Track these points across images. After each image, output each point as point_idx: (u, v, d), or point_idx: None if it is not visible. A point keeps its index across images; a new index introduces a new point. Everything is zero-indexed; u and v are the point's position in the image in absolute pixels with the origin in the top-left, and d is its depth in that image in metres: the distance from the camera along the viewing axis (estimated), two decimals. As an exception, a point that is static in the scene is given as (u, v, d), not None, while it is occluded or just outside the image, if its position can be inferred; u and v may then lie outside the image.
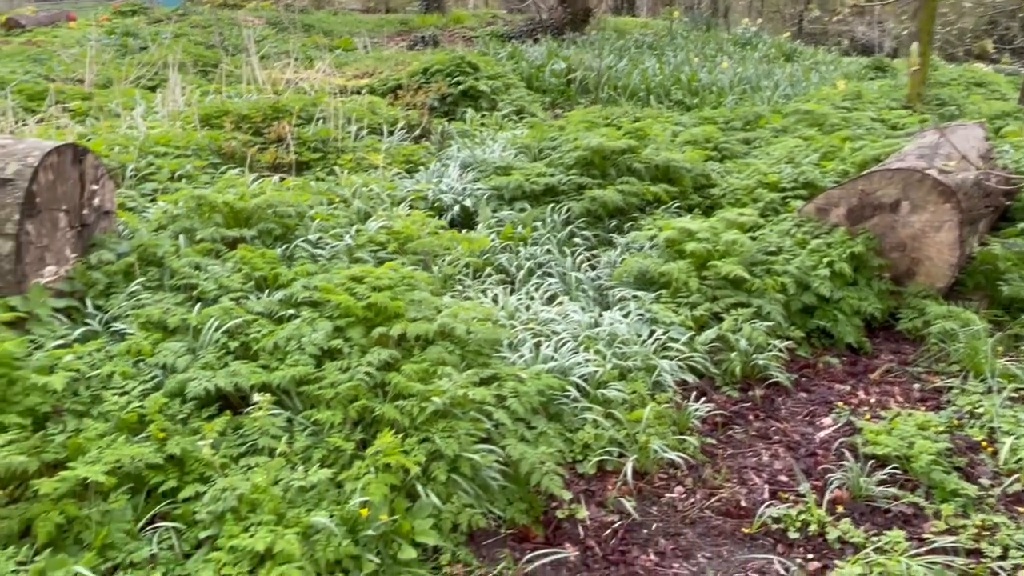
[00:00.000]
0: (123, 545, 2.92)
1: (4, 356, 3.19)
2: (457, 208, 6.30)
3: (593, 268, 5.74)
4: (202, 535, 2.97)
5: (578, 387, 4.14)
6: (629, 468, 3.75)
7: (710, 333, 4.98)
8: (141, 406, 3.36)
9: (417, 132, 8.30)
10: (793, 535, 3.52)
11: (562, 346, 4.43)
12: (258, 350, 3.74)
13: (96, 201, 4.41)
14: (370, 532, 3.02)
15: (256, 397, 3.23)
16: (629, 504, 3.67)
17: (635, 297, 5.20)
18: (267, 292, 4.33)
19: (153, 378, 3.54)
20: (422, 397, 3.51)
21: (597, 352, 4.40)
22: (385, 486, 3.14)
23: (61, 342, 3.68)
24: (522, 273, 5.45)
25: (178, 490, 3.15)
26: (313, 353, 3.67)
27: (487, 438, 3.56)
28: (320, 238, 5.12)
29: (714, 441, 4.28)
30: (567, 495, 3.57)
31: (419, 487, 3.26)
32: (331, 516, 3.02)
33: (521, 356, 4.28)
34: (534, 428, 3.77)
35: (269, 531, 2.84)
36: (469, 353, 3.99)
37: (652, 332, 4.78)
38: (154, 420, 3.31)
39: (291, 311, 4.04)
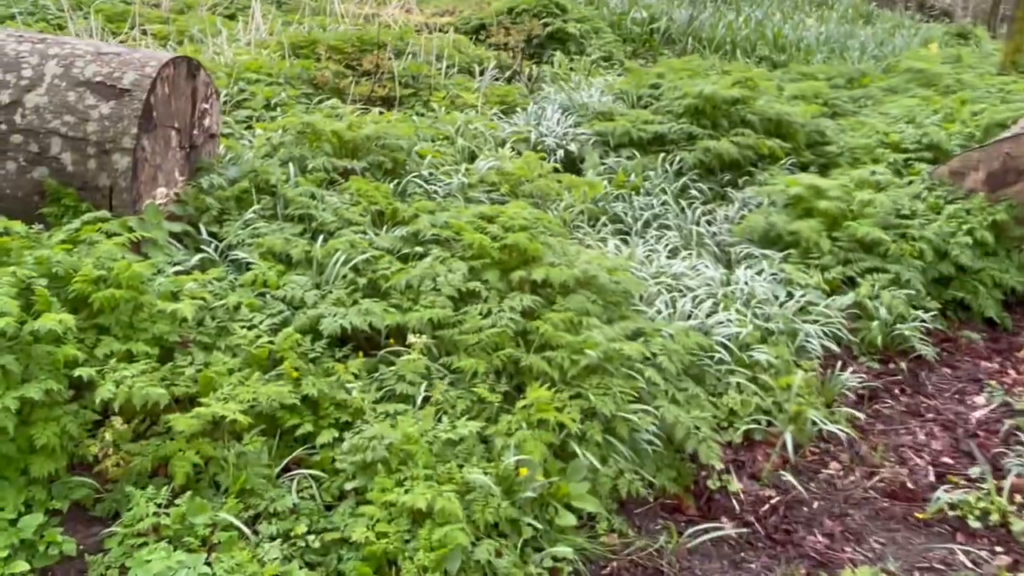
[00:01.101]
0: (263, 491, 2.66)
1: (133, 279, 2.92)
2: (561, 152, 5.93)
3: (710, 223, 5.35)
4: (347, 486, 2.70)
5: (722, 348, 3.80)
6: (788, 440, 3.41)
7: (846, 298, 4.60)
8: (271, 341, 3.08)
9: (508, 73, 7.89)
10: (973, 524, 3.18)
11: (699, 303, 4.08)
12: (388, 288, 3.44)
13: (206, 122, 4.11)
14: (528, 494, 2.73)
15: (412, 338, 2.92)
16: (790, 479, 3.34)
17: (764, 256, 4.82)
18: (385, 227, 4.02)
19: (279, 312, 3.26)
20: (572, 349, 3.20)
21: (737, 312, 4.05)
22: (542, 444, 2.84)
23: (179, 268, 3.41)
24: (639, 224, 5.08)
25: (314, 434, 2.89)
26: (450, 295, 3.36)
27: (637, 398, 3.24)
28: (432, 174, 4.79)
29: (862, 416, 3.92)
30: (720, 465, 3.26)
31: (575, 447, 2.96)
32: (486, 474, 2.73)
33: (658, 311, 3.94)
34: (684, 390, 3.44)
35: (427, 487, 2.56)
36: (609, 304, 3.66)
37: (789, 294, 4.41)
38: (286, 357, 3.03)
39: (418, 249, 3.73)
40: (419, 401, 3.01)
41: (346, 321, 3.16)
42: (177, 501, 2.51)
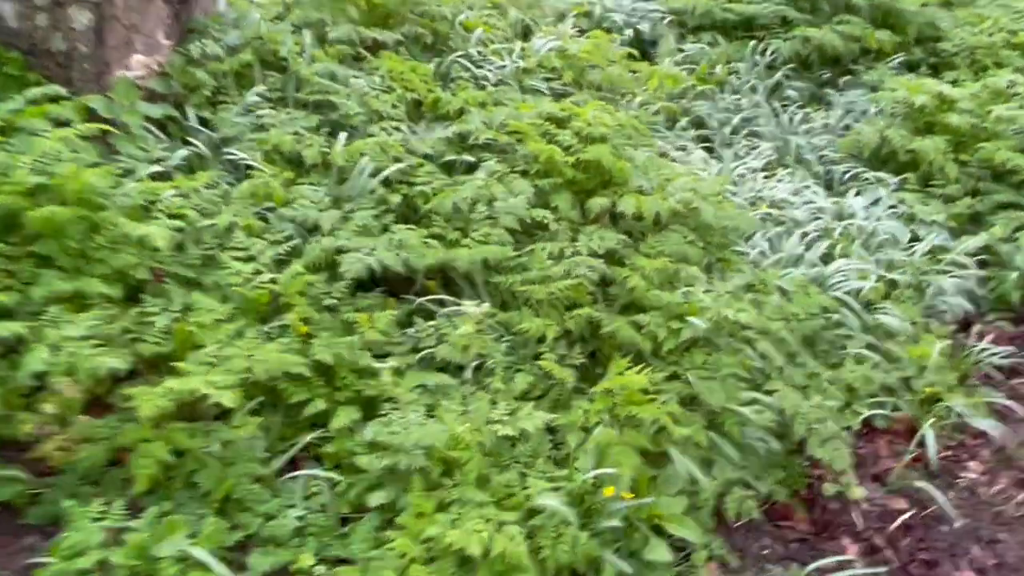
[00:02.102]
0: (256, 502, 1.96)
1: (84, 189, 2.12)
2: (630, 32, 4.94)
3: (807, 133, 4.45)
4: (371, 499, 1.99)
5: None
6: (929, 437, 2.68)
7: (975, 241, 3.76)
8: (273, 280, 2.31)
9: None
10: None
11: (809, 243, 3.27)
12: (429, 212, 2.64)
13: (199, -31, 3.19)
14: (612, 523, 2.02)
15: (469, 307, 2.12)
16: (926, 487, 2.64)
17: (878, 180, 3.95)
18: (423, 122, 3.17)
19: (287, 238, 2.47)
20: (670, 312, 2.43)
21: (859, 258, 3.24)
22: (633, 453, 2.11)
23: (158, 168, 2.60)
24: (726, 130, 4.18)
25: (327, 413, 2.17)
26: (509, 226, 2.56)
27: (749, 379, 2.50)
28: (481, 54, 3.87)
29: (1001, 395, 3.17)
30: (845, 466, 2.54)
31: (669, 447, 2.24)
32: (555, 488, 2.02)
33: (761, 253, 3.14)
34: (802, 365, 2.69)
35: (480, 517, 1.85)
36: (710, 246, 2.85)
37: (914, 235, 3.58)
38: (293, 303, 2.27)
39: (467, 156, 2.90)
40: (468, 372, 2.26)
41: (373, 259, 2.37)
42: (133, 524, 1.80)
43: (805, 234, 3.31)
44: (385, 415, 2.08)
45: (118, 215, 2.22)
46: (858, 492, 2.61)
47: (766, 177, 3.78)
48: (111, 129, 2.50)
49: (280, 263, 2.40)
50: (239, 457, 2.01)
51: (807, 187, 3.72)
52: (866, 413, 2.80)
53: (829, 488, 2.61)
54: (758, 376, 2.54)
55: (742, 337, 2.52)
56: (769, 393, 2.50)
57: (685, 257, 2.67)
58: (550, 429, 2.24)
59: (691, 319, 2.37)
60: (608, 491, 2.02)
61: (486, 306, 2.06)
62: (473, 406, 2.15)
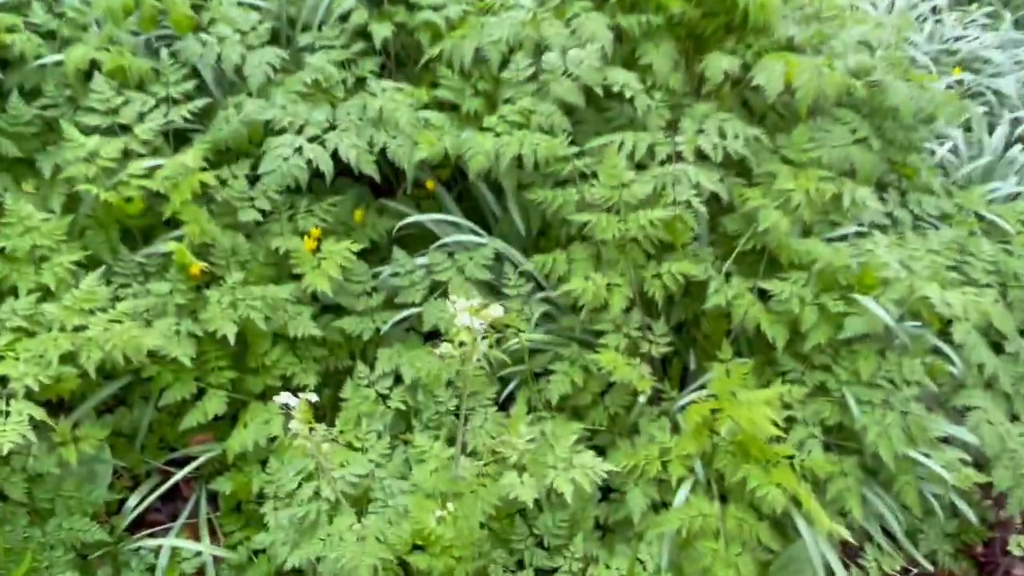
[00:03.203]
0: (73, 599, 1.12)
1: None
2: None
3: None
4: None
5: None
6: None
7: None
8: (147, 173, 1.34)
9: None
10: None
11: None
12: (435, 61, 1.58)
13: None
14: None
15: (461, 308, 1.07)
16: None
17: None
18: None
19: (190, 95, 1.45)
20: (824, 277, 1.42)
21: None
22: (747, 553, 1.20)
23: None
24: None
25: (224, 421, 1.29)
26: (567, 99, 1.50)
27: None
28: None
29: None
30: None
31: (794, 513, 1.32)
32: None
33: (952, 150, 2.04)
34: (1012, 356, 1.69)
35: None
36: (888, 145, 1.77)
37: None
38: (184, 218, 1.32)
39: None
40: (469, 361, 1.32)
41: (322, 150, 1.37)
42: None
43: (1017, 121, 2.18)
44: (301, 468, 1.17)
45: None
46: (1060, 554, 1.71)
47: (954, 21, 2.57)
48: None
49: (174, 141, 1.42)
50: (61, 506, 1.16)
51: (1015, 40, 2.52)
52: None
53: (1018, 543, 1.71)
54: (947, 384, 1.56)
55: (936, 316, 1.50)
56: (963, 414, 1.54)
57: (852, 167, 1.60)
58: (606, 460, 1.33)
59: (862, 299, 1.36)
60: (693, 631, 1.14)
61: (498, 309, 1.04)
62: (471, 432, 1.23)
